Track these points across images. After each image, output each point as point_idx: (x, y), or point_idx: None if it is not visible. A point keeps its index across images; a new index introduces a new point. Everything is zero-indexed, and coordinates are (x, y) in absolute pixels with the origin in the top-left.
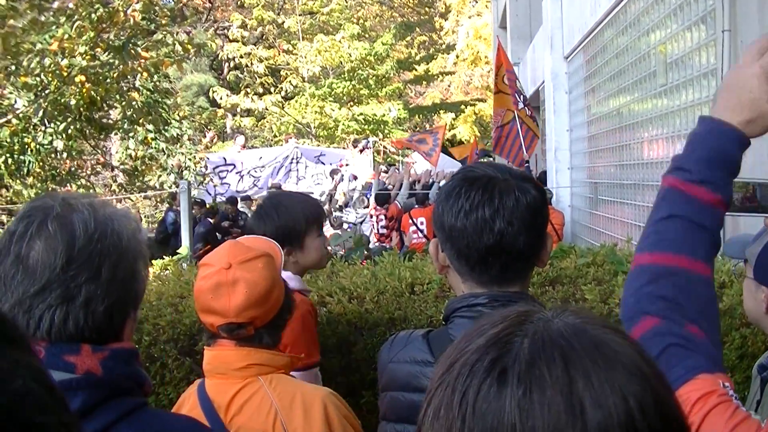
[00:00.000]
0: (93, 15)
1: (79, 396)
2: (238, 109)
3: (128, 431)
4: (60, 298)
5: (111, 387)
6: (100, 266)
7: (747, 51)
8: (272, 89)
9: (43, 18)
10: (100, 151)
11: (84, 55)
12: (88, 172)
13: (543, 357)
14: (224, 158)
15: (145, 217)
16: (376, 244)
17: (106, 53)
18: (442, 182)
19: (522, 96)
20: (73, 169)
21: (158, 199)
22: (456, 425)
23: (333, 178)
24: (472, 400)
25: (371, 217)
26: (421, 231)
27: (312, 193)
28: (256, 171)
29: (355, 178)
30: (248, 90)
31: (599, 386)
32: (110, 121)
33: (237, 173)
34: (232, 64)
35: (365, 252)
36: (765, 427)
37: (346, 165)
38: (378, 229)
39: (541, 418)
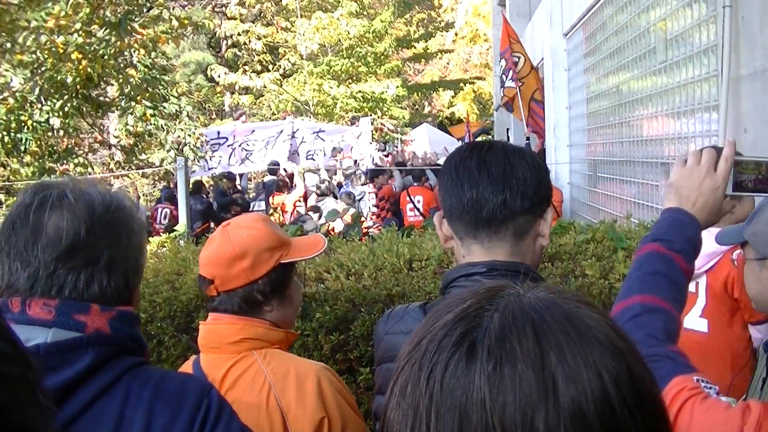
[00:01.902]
0: None
1: (89, 353)
2: (237, 87)
3: (132, 383)
4: (84, 260)
5: (118, 345)
6: (119, 233)
7: (694, 155)
8: (270, 67)
9: None
10: (97, 129)
11: (80, 32)
12: (86, 150)
13: (514, 330)
14: (218, 132)
15: (143, 195)
16: (370, 222)
17: (103, 30)
18: (442, 160)
19: (512, 72)
20: (70, 146)
21: (156, 177)
22: (423, 402)
23: (335, 156)
24: (440, 376)
25: (368, 194)
26: (418, 209)
27: (313, 169)
28: (248, 144)
29: (356, 162)
30: (246, 68)
31: (572, 361)
32: (107, 99)
33: (229, 146)
34: (230, 42)
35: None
36: (737, 405)
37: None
38: (370, 207)
39: (512, 394)
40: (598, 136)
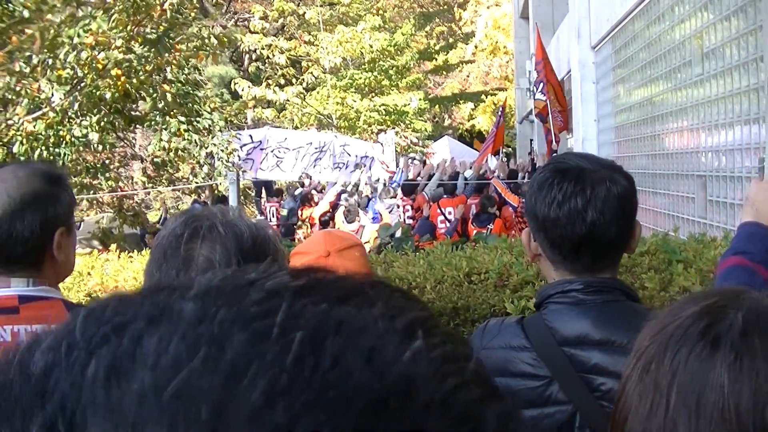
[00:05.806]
0: (129, 8)
1: None
2: (257, 100)
3: None
4: None
5: None
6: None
7: None
8: (293, 80)
9: (80, 12)
10: (128, 143)
11: (119, 48)
12: (117, 164)
13: (756, 329)
14: (251, 136)
15: (170, 208)
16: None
17: (141, 46)
18: (468, 172)
19: (543, 84)
20: (106, 161)
21: (184, 191)
22: (666, 379)
23: (357, 170)
24: (684, 357)
25: (398, 207)
26: (449, 221)
27: (339, 183)
28: (279, 151)
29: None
30: (269, 81)
31: None
32: (139, 113)
33: (261, 149)
34: (253, 56)
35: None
36: None
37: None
38: (405, 219)
39: (749, 383)
40: (628, 149)
